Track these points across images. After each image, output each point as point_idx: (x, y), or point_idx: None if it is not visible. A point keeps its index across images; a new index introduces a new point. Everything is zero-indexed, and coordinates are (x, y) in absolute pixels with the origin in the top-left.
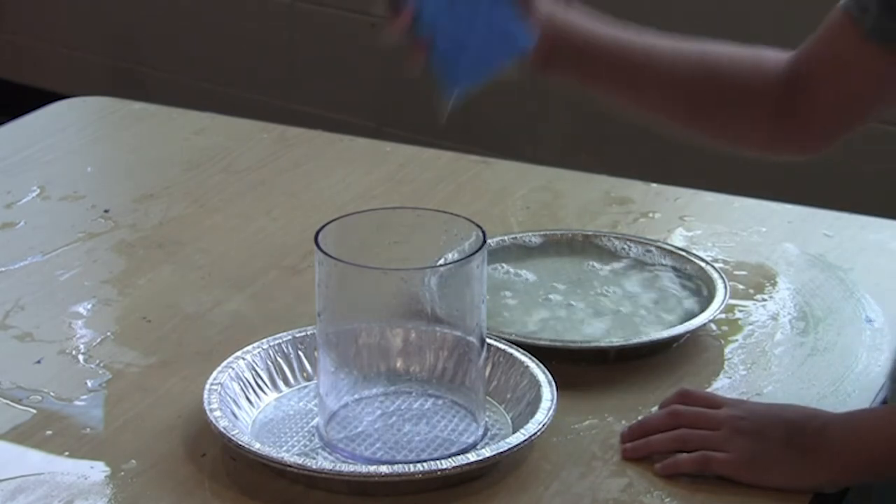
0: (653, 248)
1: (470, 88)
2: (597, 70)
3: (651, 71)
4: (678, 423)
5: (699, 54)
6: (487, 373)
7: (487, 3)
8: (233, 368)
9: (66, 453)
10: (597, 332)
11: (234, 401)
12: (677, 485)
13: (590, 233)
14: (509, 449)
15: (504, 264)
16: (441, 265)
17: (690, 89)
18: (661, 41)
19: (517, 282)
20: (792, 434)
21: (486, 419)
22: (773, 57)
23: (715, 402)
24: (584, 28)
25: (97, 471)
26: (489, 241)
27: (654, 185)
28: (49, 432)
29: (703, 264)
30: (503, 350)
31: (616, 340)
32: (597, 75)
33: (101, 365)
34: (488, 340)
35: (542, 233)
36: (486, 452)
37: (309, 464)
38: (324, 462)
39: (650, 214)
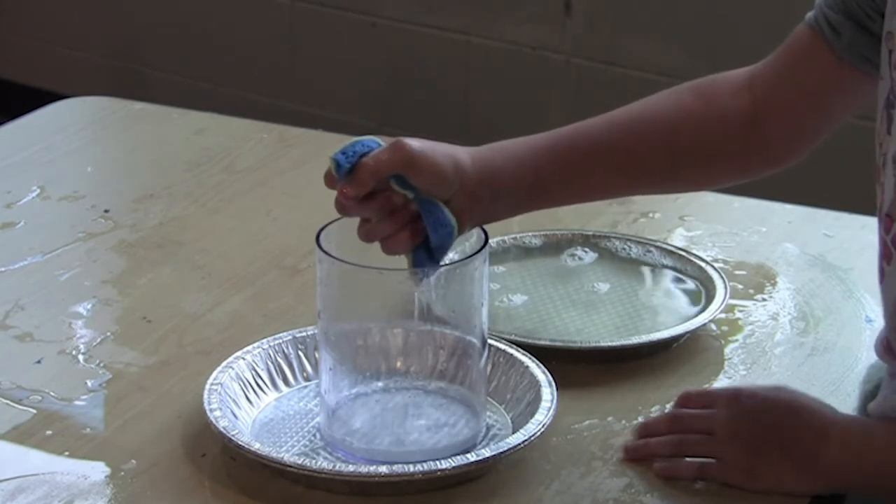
0: (653, 248)
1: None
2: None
3: (603, 165)
4: (678, 427)
5: (652, 131)
6: (487, 373)
7: (428, 206)
8: (233, 368)
9: (66, 453)
10: (597, 332)
11: (234, 401)
12: (677, 485)
13: (590, 233)
14: (509, 449)
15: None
16: (442, 265)
17: (653, 169)
18: (593, 129)
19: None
20: (790, 443)
21: (487, 419)
22: (725, 94)
23: (710, 401)
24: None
25: (97, 471)
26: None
27: None
28: (49, 432)
29: (703, 264)
30: (503, 350)
31: (616, 340)
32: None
33: (101, 365)
34: (488, 340)
35: (542, 233)
36: (486, 452)
37: (309, 464)
38: (324, 462)
39: (650, 214)
